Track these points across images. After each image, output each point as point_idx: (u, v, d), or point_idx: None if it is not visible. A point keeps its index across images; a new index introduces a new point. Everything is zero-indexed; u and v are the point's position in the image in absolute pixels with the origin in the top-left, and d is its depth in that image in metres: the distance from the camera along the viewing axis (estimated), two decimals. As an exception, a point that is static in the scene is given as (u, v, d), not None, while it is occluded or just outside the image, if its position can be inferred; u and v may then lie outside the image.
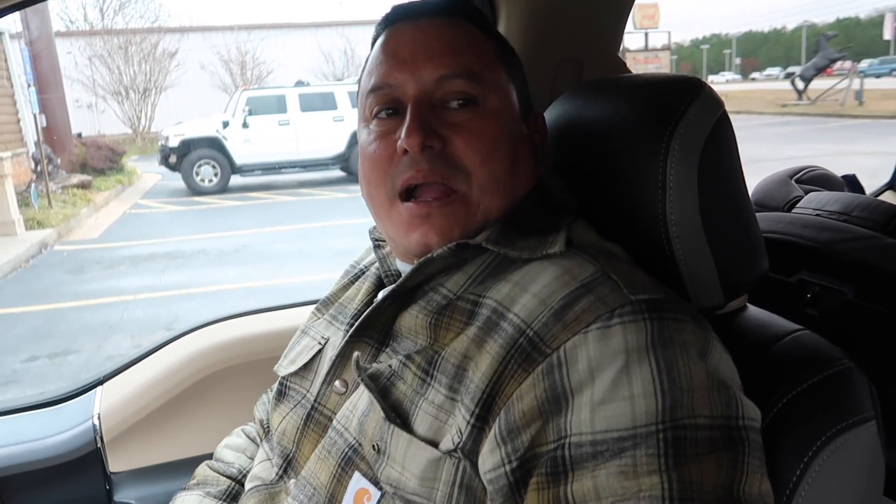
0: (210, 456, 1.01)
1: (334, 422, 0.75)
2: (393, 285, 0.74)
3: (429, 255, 0.71)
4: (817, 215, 1.15)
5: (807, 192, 1.27)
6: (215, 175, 11.56)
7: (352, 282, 0.90)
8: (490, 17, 1.23)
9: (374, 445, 0.67)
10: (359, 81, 0.80)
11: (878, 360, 0.73)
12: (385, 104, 0.74)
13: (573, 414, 0.57)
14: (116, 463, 1.28)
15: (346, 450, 0.71)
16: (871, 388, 0.70)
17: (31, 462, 1.21)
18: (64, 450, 1.24)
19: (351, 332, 0.75)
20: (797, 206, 1.22)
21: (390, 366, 0.70)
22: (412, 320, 0.71)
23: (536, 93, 1.19)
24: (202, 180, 11.51)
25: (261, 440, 0.98)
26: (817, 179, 1.35)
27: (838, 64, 21.97)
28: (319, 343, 0.85)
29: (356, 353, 0.72)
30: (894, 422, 0.71)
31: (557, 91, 0.95)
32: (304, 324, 0.92)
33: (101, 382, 1.36)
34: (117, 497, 1.25)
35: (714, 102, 0.72)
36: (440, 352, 0.67)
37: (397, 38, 0.75)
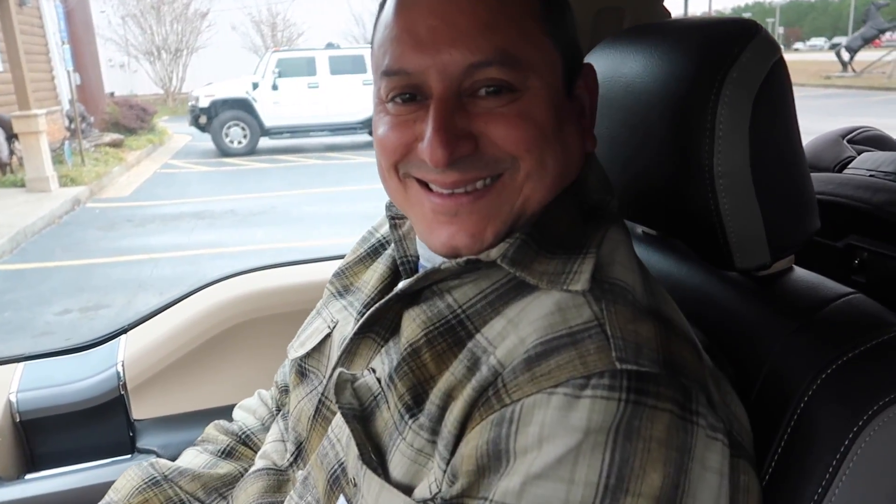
0: (230, 409, 1.01)
1: (329, 429, 0.71)
2: (402, 284, 0.67)
3: (435, 266, 0.64)
4: (871, 176, 1.08)
5: (860, 153, 1.20)
6: (244, 137, 11.62)
7: (370, 255, 0.85)
8: None
9: (352, 478, 0.63)
10: (371, 42, 0.68)
11: None
12: (402, 90, 0.62)
13: (506, 478, 0.51)
14: (139, 410, 1.29)
15: (335, 466, 0.68)
16: None
17: (58, 406, 1.23)
18: (89, 395, 1.25)
19: (357, 328, 0.70)
20: (849, 166, 1.16)
21: (380, 380, 0.66)
22: (409, 323, 0.65)
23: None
24: (231, 142, 11.57)
25: (277, 409, 0.96)
26: (871, 140, 1.27)
27: (887, 35, 21.15)
28: (329, 326, 0.81)
29: (339, 371, 0.68)
30: None
31: (596, 40, 0.89)
32: (319, 302, 0.88)
33: (125, 331, 1.36)
34: (140, 444, 1.26)
35: (771, 46, 0.66)
36: (428, 390, 0.61)
37: (413, 4, 0.61)
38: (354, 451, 0.63)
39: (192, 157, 11.57)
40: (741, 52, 0.65)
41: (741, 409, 0.62)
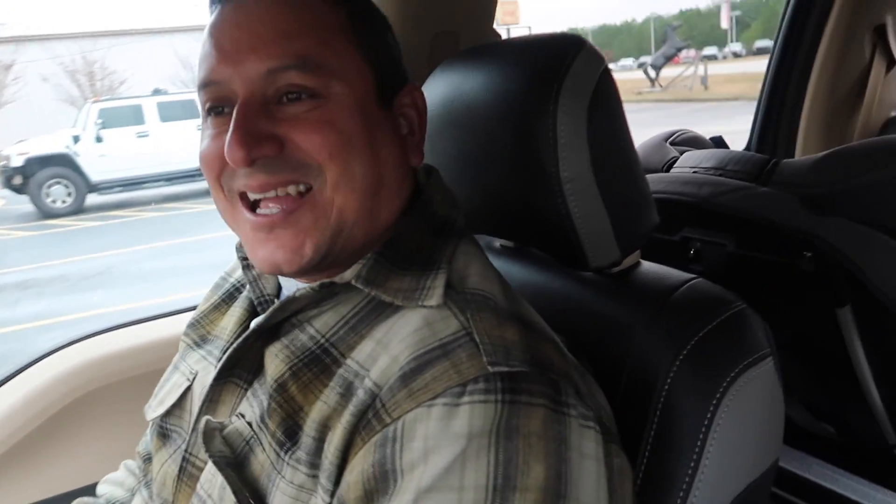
0: (93, 488, 0.91)
1: (198, 485, 0.67)
2: (259, 318, 0.66)
3: (293, 293, 0.64)
4: (695, 172, 1.18)
5: (682, 154, 1.31)
6: (68, 195, 10.65)
7: (225, 301, 0.81)
8: None
9: None
10: None
11: (760, 304, 0.75)
12: (215, 102, 0.64)
13: (396, 497, 0.52)
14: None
15: None
16: (765, 328, 0.72)
17: None
18: None
19: (216, 373, 0.67)
20: (675, 166, 1.26)
21: (250, 424, 0.63)
22: (272, 360, 0.64)
23: (414, 68, 1.15)
24: (54, 201, 10.57)
25: (143, 478, 0.88)
26: (689, 141, 1.40)
27: (684, 52, 23.77)
28: (188, 379, 0.76)
29: (205, 419, 0.64)
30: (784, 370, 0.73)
31: (434, 64, 0.91)
32: (175, 357, 0.82)
33: None
34: None
35: (597, 56, 0.71)
36: (299, 422, 0.60)
37: (220, 23, 0.64)
38: (231, 500, 0.59)
39: (9, 222, 10.44)
40: (572, 63, 0.69)
41: (605, 399, 0.65)
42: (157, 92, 12.23)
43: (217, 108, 0.64)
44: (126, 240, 8.35)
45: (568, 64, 0.69)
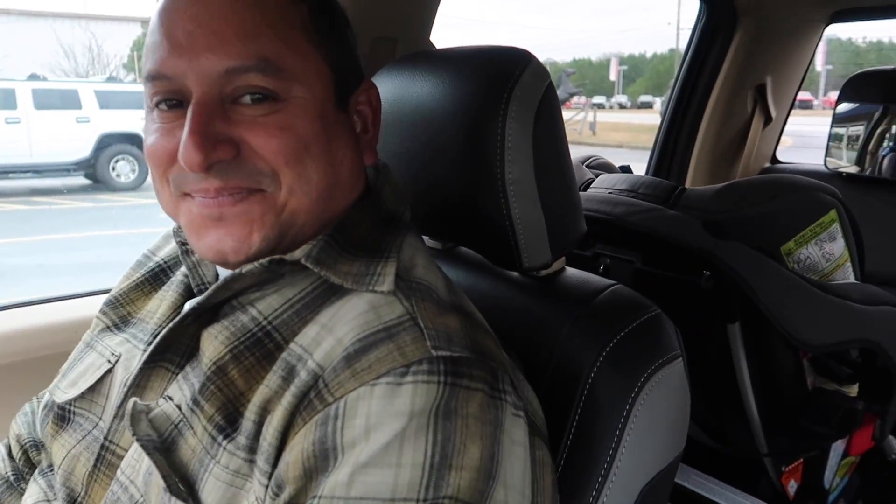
0: None
1: (118, 471, 0.64)
2: (198, 298, 0.64)
3: (237, 271, 0.62)
4: (609, 193, 1.26)
5: (597, 176, 1.40)
6: (-85, 179, 9.61)
7: (148, 281, 0.77)
8: None
9: None
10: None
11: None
12: (165, 96, 0.61)
13: (334, 473, 0.52)
14: None
15: None
16: (676, 332, 0.78)
17: None
18: None
19: (146, 355, 0.64)
20: (591, 186, 1.34)
21: (179, 407, 0.61)
22: (210, 342, 0.62)
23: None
24: None
25: (17, 465, 0.81)
26: (601, 166, 1.50)
27: (575, 98, 25.05)
28: (109, 361, 0.72)
29: (132, 401, 0.62)
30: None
31: (372, 70, 0.93)
32: (88, 334, 0.77)
33: None
34: None
35: (543, 70, 0.76)
36: (240, 408, 0.59)
37: (173, 11, 0.60)
38: (158, 484, 0.57)
39: None
40: (521, 74, 0.73)
41: (533, 395, 0.68)
42: (33, 77, 11.34)
43: (169, 100, 0.61)
44: (-16, 232, 7.62)
45: (518, 74, 0.73)
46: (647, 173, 2.22)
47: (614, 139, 19.01)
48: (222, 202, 0.60)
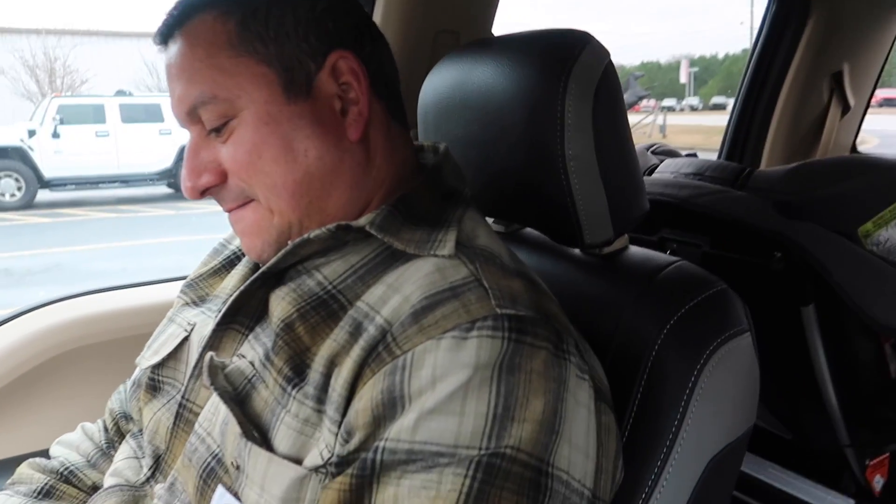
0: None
1: (196, 424, 0.68)
2: (268, 263, 0.68)
3: (305, 236, 0.66)
4: (675, 177, 1.25)
5: (661, 161, 1.39)
6: (18, 189, 10.30)
7: (224, 267, 0.83)
8: None
9: (233, 462, 0.62)
10: None
11: None
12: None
13: (400, 419, 0.54)
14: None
15: (208, 458, 0.65)
16: (745, 307, 0.77)
17: None
18: None
19: (219, 318, 0.69)
20: (656, 171, 1.33)
21: (252, 363, 0.65)
22: (278, 302, 0.66)
23: (417, 65, 1.19)
24: (2, 194, 10.20)
25: (109, 436, 0.87)
26: (667, 152, 1.48)
27: (644, 101, 24.57)
28: (185, 330, 0.77)
29: (209, 355, 0.66)
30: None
31: (437, 61, 0.96)
32: (170, 311, 0.83)
33: None
34: None
35: (602, 50, 0.76)
36: (307, 360, 0.62)
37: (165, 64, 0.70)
38: (235, 431, 0.60)
39: (-48, 213, 10.02)
40: (580, 53, 0.74)
41: (598, 364, 0.68)
42: (120, 93, 12.00)
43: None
44: (77, 238, 8.09)
45: (577, 53, 0.74)
46: (718, 158, 2.17)
47: (685, 142, 18.52)
48: (232, 217, 0.70)
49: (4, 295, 5.79)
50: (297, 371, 0.61)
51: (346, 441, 0.56)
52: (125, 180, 11.33)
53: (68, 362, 1.19)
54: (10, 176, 10.26)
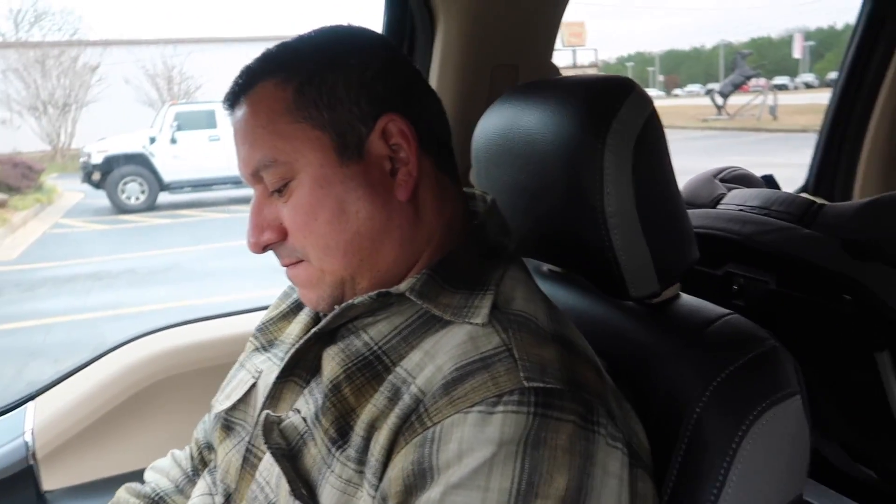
0: (142, 473, 0.99)
1: (257, 472, 0.74)
2: (320, 324, 0.73)
3: (350, 301, 0.70)
4: (740, 210, 1.22)
5: (730, 190, 1.35)
6: (142, 192, 11.15)
7: (292, 310, 0.89)
8: (428, 21, 1.26)
9: None
10: None
11: (798, 342, 0.78)
12: None
13: (428, 491, 0.57)
14: (50, 480, 1.23)
15: None
16: (795, 367, 0.75)
17: None
18: None
19: (279, 371, 0.75)
20: (721, 202, 1.30)
21: (305, 419, 0.70)
22: (328, 362, 0.70)
23: (474, 100, 1.22)
24: (128, 198, 11.08)
25: (195, 464, 0.96)
26: (738, 178, 1.43)
27: (753, 81, 23.15)
28: (254, 377, 0.84)
29: (265, 413, 0.73)
30: (814, 404, 0.76)
31: (494, 96, 0.98)
32: (242, 356, 0.90)
33: (32, 398, 1.30)
34: None
35: (644, 101, 0.76)
36: (351, 422, 0.65)
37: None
38: (286, 488, 0.66)
39: (86, 215, 10.94)
40: (620, 106, 0.74)
41: (639, 426, 0.69)
42: (230, 99, 12.65)
43: None
44: (193, 238, 8.64)
45: (617, 107, 0.74)
46: (807, 178, 2.05)
47: (798, 123, 17.27)
48: (288, 272, 0.74)
49: (131, 293, 6.29)
50: (341, 433, 0.65)
51: None
52: (236, 181, 11.96)
53: (160, 391, 1.31)
54: (134, 180, 11.13)
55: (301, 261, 0.72)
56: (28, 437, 1.22)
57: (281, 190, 0.70)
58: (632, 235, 0.76)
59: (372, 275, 0.71)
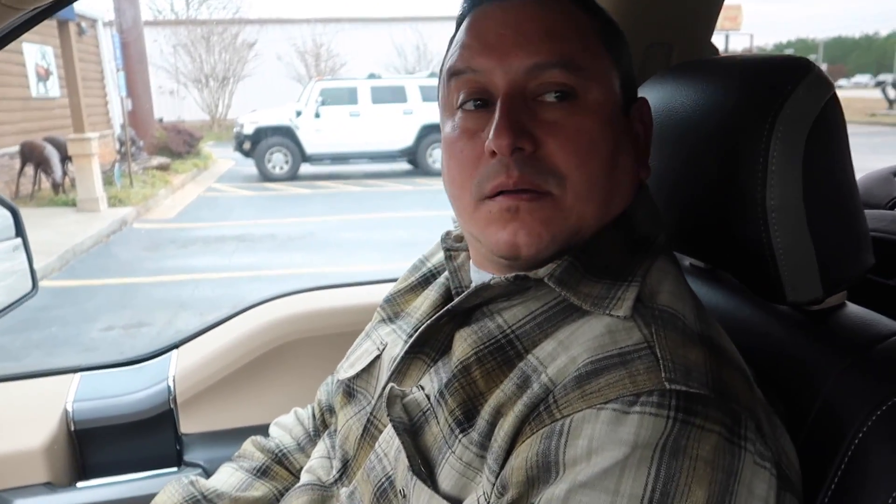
0: (268, 427, 1.03)
1: (377, 444, 0.74)
2: (454, 301, 0.69)
3: (486, 281, 0.66)
4: (924, 214, 1.07)
5: (912, 191, 1.19)
6: (286, 162, 11.89)
7: (420, 284, 0.87)
8: None
9: (401, 489, 0.65)
10: (440, 68, 0.73)
11: None
12: (471, 94, 0.66)
13: (553, 486, 0.53)
14: (187, 424, 1.32)
15: (382, 479, 0.70)
16: None
17: (110, 417, 1.27)
18: (140, 408, 1.29)
19: (407, 347, 0.73)
20: (901, 204, 1.15)
21: (428, 397, 0.68)
22: (460, 343, 0.67)
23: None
24: (273, 167, 11.85)
25: (316, 423, 0.98)
26: (923, 178, 1.26)
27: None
28: (378, 349, 0.83)
29: (390, 386, 0.71)
30: None
31: (644, 77, 0.91)
32: (369, 325, 0.90)
33: (176, 346, 1.40)
34: (187, 457, 1.29)
35: (824, 83, 0.67)
36: (478, 406, 0.63)
37: (484, 19, 0.67)
38: (404, 462, 0.65)
39: (236, 181, 11.85)
40: (794, 89, 0.66)
41: (790, 445, 0.61)
42: (371, 76, 13.14)
43: (475, 100, 0.66)
44: (328, 209, 9.08)
45: (791, 90, 0.66)
46: None
47: None
48: (520, 196, 0.63)
49: (270, 257, 6.72)
50: (467, 416, 0.63)
51: (501, 495, 0.58)
52: (372, 157, 12.46)
53: (289, 351, 1.37)
54: (280, 151, 11.87)
55: (545, 196, 0.64)
56: (170, 382, 1.32)
57: (561, 97, 0.64)
58: (796, 233, 0.68)
59: (594, 231, 0.66)
